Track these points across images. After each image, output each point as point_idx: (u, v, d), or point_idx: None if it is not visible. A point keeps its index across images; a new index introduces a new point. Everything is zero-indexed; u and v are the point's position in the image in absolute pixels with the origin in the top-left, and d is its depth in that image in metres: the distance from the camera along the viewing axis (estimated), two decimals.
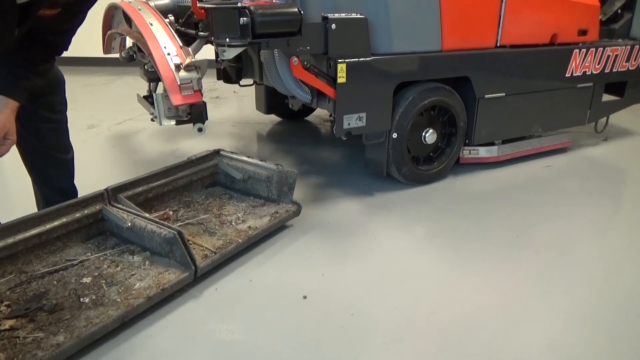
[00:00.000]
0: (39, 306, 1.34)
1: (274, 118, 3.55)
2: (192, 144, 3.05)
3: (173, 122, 2.03)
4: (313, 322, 1.48)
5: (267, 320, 1.49)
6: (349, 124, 2.15)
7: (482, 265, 1.81)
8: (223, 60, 2.74)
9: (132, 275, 1.58)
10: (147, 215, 1.75)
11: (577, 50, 2.56)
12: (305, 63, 2.03)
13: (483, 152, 2.66)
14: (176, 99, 1.82)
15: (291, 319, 1.49)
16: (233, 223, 1.94)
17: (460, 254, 1.88)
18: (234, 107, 4.17)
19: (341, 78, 2.05)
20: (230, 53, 1.87)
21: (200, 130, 2.09)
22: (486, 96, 2.48)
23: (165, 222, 1.68)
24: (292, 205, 2.06)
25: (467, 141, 2.57)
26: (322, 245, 1.92)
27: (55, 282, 1.53)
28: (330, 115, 2.68)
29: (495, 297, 1.61)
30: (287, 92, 2.27)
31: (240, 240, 1.80)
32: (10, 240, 1.49)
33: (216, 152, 2.24)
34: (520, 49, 2.44)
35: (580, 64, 2.59)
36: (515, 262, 1.82)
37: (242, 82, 2.92)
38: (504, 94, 2.53)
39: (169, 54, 1.88)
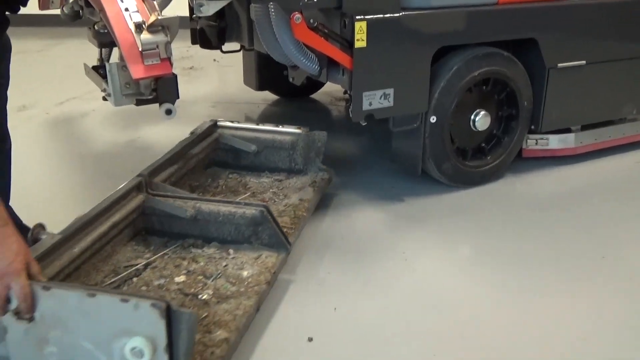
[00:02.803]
0: None
1: (268, 96, 3.59)
2: (158, 131, 3.09)
3: (132, 102, 2.04)
4: None
5: None
6: (370, 104, 2.18)
7: (555, 299, 1.81)
8: (200, 17, 2.77)
9: (226, 266, 1.81)
10: (212, 197, 2.04)
11: None
12: (312, 21, 2.06)
13: (555, 143, 2.68)
14: (137, 71, 1.85)
15: None
16: (276, 200, 2.17)
17: (523, 283, 1.89)
18: (214, 82, 4.22)
19: (360, 41, 2.08)
20: (210, 8, 1.92)
21: (169, 112, 2.11)
22: (559, 65, 2.50)
23: (243, 200, 1.97)
24: (323, 173, 2.33)
25: (532, 127, 2.60)
26: (335, 269, 1.95)
27: (144, 288, 1.71)
28: (345, 93, 2.70)
29: (575, 345, 1.60)
30: (287, 60, 2.31)
31: (304, 214, 2.11)
32: (76, 250, 1.64)
33: (213, 125, 2.42)
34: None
35: None
36: (601, 295, 1.82)
37: (226, 47, 2.97)
38: (584, 62, 2.55)
39: (127, 9, 1.92)
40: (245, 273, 1.78)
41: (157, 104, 2.04)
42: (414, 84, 2.26)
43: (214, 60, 4.52)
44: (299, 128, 2.38)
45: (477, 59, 2.35)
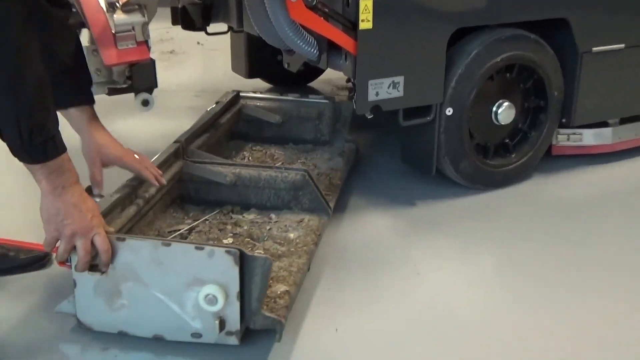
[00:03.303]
0: None
1: (259, 84, 3.56)
2: (133, 125, 3.09)
3: (104, 91, 2.06)
4: None
5: None
6: (377, 94, 2.20)
7: (592, 318, 1.81)
8: None
9: (270, 230, 2.05)
10: (250, 163, 2.35)
11: None
12: None
13: (589, 138, 2.69)
14: (109, 56, 1.87)
15: None
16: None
17: (555, 299, 1.89)
18: (198, 68, 4.23)
19: (365, 22, 2.10)
20: None
21: (145, 103, 2.14)
22: (594, 49, 2.50)
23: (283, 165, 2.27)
24: (349, 144, 2.58)
25: (563, 120, 2.61)
26: (336, 284, 1.95)
27: None
28: (349, 81, 2.73)
29: None
30: (281, 44, 2.33)
31: (339, 182, 2.36)
32: (131, 211, 1.82)
33: (236, 95, 2.72)
34: None
35: None
36: None
37: (211, 28, 2.98)
38: (622, 45, 2.55)
39: None
40: (291, 235, 2.01)
41: (133, 94, 2.05)
42: (427, 71, 2.27)
43: (198, 43, 4.54)
44: (325, 98, 2.69)
45: (500, 42, 2.37)
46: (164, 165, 2.03)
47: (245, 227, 2.06)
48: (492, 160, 2.53)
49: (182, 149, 2.16)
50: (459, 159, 2.43)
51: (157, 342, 1.62)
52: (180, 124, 2.76)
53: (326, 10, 2.11)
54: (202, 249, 1.51)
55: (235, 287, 1.52)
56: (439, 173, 2.49)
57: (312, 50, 2.23)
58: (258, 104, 2.70)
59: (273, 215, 2.12)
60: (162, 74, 2.32)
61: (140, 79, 1.99)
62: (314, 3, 2.08)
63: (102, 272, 1.55)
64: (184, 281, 1.54)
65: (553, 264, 2.07)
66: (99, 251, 1.51)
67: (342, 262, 2.07)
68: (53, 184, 1.43)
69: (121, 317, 1.61)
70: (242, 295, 1.53)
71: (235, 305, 1.53)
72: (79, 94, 1.76)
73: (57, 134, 1.43)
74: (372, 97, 2.20)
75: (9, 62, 1.31)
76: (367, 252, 2.13)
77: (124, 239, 1.55)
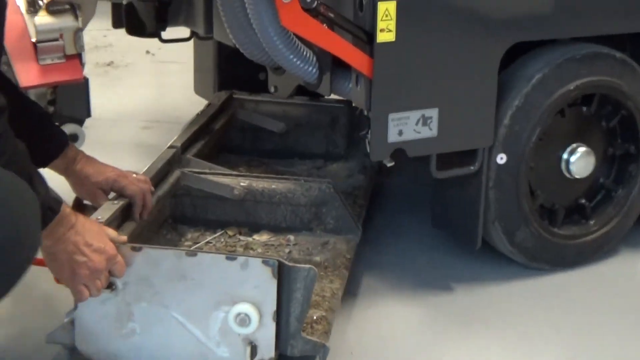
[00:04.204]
0: None
1: None
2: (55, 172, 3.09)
3: None
4: None
5: None
6: (400, 133, 2.20)
7: None
8: None
9: (290, 253, 2.27)
10: (262, 174, 2.56)
11: None
12: (309, 0, 2.05)
13: None
14: (27, 74, 1.89)
15: None
16: None
17: None
18: (148, 87, 4.26)
19: (386, 32, 2.10)
20: None
21: (74, 138, 2.16)
22: None
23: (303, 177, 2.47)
24: (369, 160, 2.67)
25: None
26: None
27: None
28: (361, 113, 2.65)
29: None
30: (267, 59, 2.34)
31: (364, 202, 2.59)
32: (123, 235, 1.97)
33: (229, 98, 2.96)
34: None
35: None
36: None
37: (167, 34, 3.02)
38: None
39: None
40: (317, 258, 2.23)
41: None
42: (471, 103, 2.28)
43: (147, 52, 4.59)
44: (339, 100, 2.80)
45: (574, 63, 2.37)
46: (157, 176, 2.24)
47: (259, 250, 2.29)
48: (561, 229, 2.52)
49: (178, 156, 2.39)
50: (514, 227, 2.41)
51: None
52: (122, 167, 2.70)
53: (331, 15, 2.10)
54: (234, 259, 1.72)
55: (271, 305, 1.71)
56: (486, 245, 2.46)
57: (310, 69, 2.21)
58: (257, 108, 2.96)
59: (291, 237, 2.36)
60: (97, 96, 2.35)
61: (67, 106, 2.04)
62: (315, 5, 2.06)
63: (112, 289, 1.75)
64: (212, 299, 1.74)
65: None
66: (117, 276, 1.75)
67: None
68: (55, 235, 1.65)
69: (130, 345, 1.79)
70: (279, 314, 1.74)
71: (271, 327, 1.73)
72: (51, 145, 1.98)
73: (47, 194, 1.62)
74: (393, 137, 2.20)
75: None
76: (384, 358, 2.10)
77: (140, 249, 1.76)
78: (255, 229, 2.39)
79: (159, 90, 4.21)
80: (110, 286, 1.75)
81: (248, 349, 1.74)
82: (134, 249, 1.75)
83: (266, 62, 2.41)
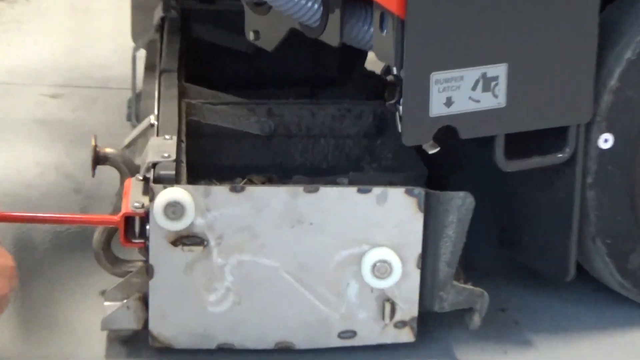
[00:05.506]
0: None
1: None
2: None
3: None
4: None
5: None
6: (449, 102, 1.90)
7: None
8: None
9: None
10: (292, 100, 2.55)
11: None
12: None
13: None
14: None
15: None
16: None
17: None
18: (61, 33, 3.96)
19: None
20: None
21: None
22: None
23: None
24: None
25: None
26: None
27: None
28: (387, 72, 2.46)
29: None
30: None
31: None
32: None
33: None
34: None
35: None
36: None
37: None
38: None
39: None
40: None
41: None
42: (559, 56, 1.96)
43: None
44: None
45: None
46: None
47: None
48: None
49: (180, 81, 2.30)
50: (628, 247, 2.12)
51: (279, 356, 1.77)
52: (21, 155, 2.72)
53: None
54: (368, 191, 1.67)
55: (416, 248, 1.67)
56: (583, 274, 2.16)
57: (310, 3, 2.02)
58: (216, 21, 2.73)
59: (344, 180, 2.17)
60: None
61: None
62: None
63: (204, 246, 1.66)
64: (338, 247, 1.67)
65: None
66: None
67: None
68: None
69: (225, 319, 1.70)
70: (424, 259, 1.70)
71: (415, 277, 1.68)
72: None
73: None
74: (437, 108, 1.87)
75: None
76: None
77: (241, 189, 1.67)
78: (285, 173, 2.20)
79: (76, 38, 3.94)
80: (201, 243, 1.66)
81: (388, 308, 1.67)
82: (233, 189, 1.66)
83: None
